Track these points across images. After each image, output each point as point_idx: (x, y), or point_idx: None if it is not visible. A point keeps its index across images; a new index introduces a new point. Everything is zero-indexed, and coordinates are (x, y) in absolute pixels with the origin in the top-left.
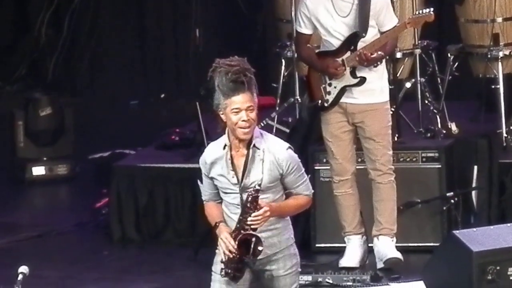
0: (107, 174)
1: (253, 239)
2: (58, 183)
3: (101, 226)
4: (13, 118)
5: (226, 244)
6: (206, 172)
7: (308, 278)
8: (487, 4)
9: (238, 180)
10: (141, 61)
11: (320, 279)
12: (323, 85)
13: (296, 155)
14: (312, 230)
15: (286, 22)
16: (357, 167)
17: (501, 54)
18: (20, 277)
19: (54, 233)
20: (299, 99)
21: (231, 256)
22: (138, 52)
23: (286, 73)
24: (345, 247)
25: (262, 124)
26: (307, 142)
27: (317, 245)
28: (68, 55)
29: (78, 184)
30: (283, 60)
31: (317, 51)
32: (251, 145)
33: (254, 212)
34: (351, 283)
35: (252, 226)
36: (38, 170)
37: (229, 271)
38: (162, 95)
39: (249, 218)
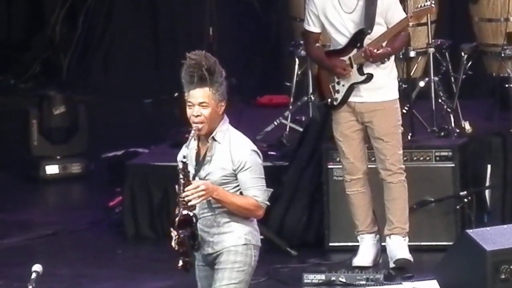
0: (121, 173)
1: (192, 217)
2: (72, 182)
3: (115, 224)
4: (27, 116)
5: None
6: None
7: (321, 277)
8: (501, 3)
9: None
10: (155, 59)
11: (333, 278)
12: (332, 84)
13: (257, 158)
14: (326, 229)
15: (300, 21)
16: (369, 165)
17: None
18: (33, 275)
19: (67, 232)
20: (312, 98)
21: (175, 241)
22: (151, 50)
23: (299, 72)
24: (358, 246)
25: (276, 123)
26: (320, 141)
27: (330, 244)
28: (82, 53)
29: (92, 182)
30: (296, 59)
31: (325, 50)
32: (210, 138)
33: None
34: (364, 282)
35: (189, 203)
36: (52, 169)
37: (181, 261)
38: (176, 94)
39: (182, 194)
